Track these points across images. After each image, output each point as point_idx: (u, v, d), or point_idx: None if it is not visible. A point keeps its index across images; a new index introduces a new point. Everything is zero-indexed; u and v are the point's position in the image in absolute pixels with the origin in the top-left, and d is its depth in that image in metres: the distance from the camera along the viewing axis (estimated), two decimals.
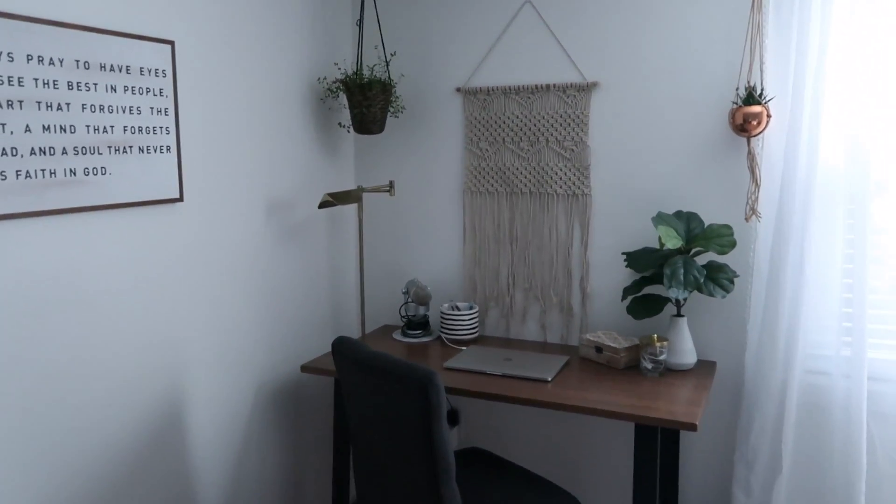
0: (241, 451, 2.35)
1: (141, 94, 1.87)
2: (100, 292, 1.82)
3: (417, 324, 2.63)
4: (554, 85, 2.46)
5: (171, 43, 1.95)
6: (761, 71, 2.17)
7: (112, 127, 1.80)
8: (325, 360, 2.39)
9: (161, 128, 1.94)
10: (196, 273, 2.12)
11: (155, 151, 1.93)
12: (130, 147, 1.85)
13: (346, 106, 2.76)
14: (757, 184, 2.20)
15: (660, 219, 2.20)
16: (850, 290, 2.12)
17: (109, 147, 1.80)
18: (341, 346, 1.95)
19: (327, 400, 2.80)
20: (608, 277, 2.51)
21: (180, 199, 2.02)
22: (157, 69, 1.91)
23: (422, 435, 1.75)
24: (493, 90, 2.56)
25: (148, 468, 1.99)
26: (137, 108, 1.87)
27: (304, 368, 2.33)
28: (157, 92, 1.92)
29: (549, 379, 2.14)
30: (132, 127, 1.86)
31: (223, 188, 2.20)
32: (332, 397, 2.82)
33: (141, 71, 1.87)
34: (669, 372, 2.24)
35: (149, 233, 1.95)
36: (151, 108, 1.91)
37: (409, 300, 2.62)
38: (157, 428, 2.02)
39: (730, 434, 2.40)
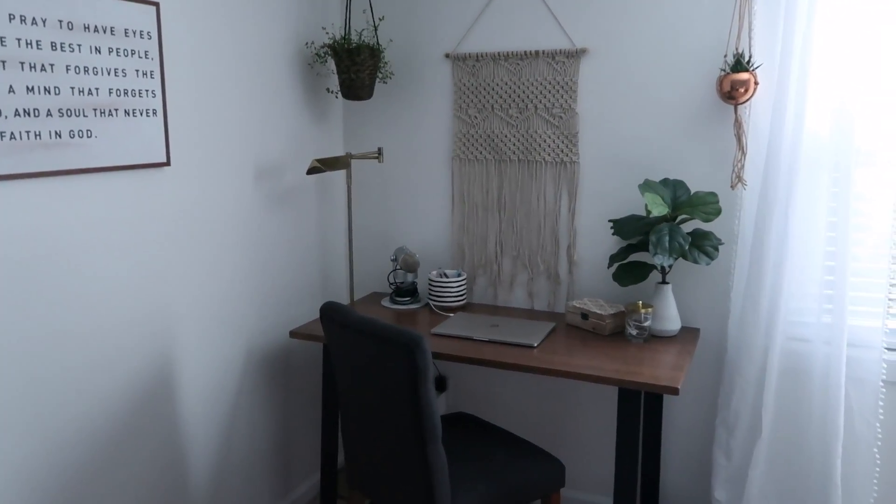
0: (231, 416, 2.38)
1: (126, 56, 1.85)
2: (86, 257, 1.82)
3: (406, 291, 2.65)
4: (543, 51, 2.45)
5: (156, 4, 1.93)
6: (749, 38, 2.17)
7: (97, 89, 1.79)
8: (314, 326, 2.40)
9: (147, 91, 1.93)
10: (184, 238, 2.13)
11: (141, 115, 1.92)
12: (116, 110, 1.84)
13: (335, 71, 2.74)
14: (743, 151, 2.22)
15: (646, 186, 2.22)
16: (832, 257, 2.15)
17: (95, 109, 1.78)
18: (329, 311, 1.97)
19: (316, 365, 2.83)
20: (595, 245, 2.52)
21: (167, 163, 2.01)
22: (142, 31, 1.89)
23: (409, 398, 1.77)
24: (482, 56, 2.55)
25: (139, 434, 2.02)
26: (123, 70, 1.85)
27: (293, 334, 2.35)
28: (142, 54, 1.90)
29: (535, 345, 2.17)
30: (118, 89, 1.84)
31: (211, 153, 2.20)
32: (321, 362, 2.85)
33: (126, 32, 1.85)
34: (654, 338, 2.27)
35: (135, 197, 1.95)
36: (137, 70, 1.89)
37: (398, 267, 2.63)
38: (147, 394, 2.04)
39: (712, 399, 2.44)
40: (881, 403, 2.15)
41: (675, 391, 1.87)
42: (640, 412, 1.97)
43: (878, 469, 2.19)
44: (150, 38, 1.92)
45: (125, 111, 1.87)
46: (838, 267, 2.10)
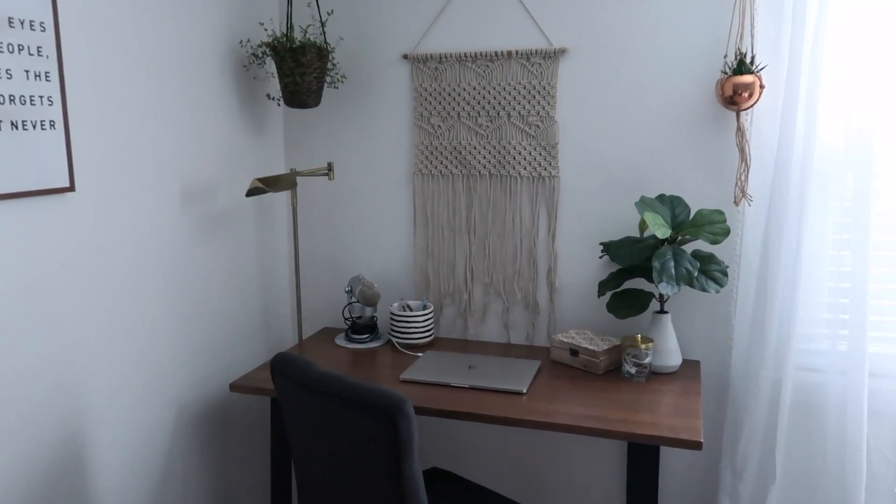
0: (160, 488, 1.97)
1: (12, 52, 1.45)
2: None
3: (363, 327, 2.29)
4: (516, 52, 2.16)
5: None
6: (752, 36, 1.93)
7: None
8: (259, 376, 2.02)
9: (41, 97, 1.52)
10: (96, 277, 1.71)
11: (35, 127, 1.51)
12: (0, 122, 1.43)
13: (275, 74, 2.37)
14: (746, 163, 1.98)
15: (644, 204, 1.95)
16: (847, 278, 1.94)
17: None
18: (282, 366, 1.60)
19: (262, 420, 2.43)
20: (578, 269, 2.24)
21: (71, 188, 1.60)
22: (32, 21, 1.49)
23: (388, 473, 1.43)
24: (445, 57, 2.23)
25: None
26: (7, 70, 1.44)
27: (234, 387, 1.96)
28: (34, 50, 1.49)
29: (525, 390, 1.86)
30: (2, 95, 1.43)
31: (126, 173, 1.79)
32: (269, 418, 2.46)
33: (10, 22, 1.44)
34: (653, 375, 2.00)
35: (30, 233, 1.53)
36: (27, 71, 1.48)
37: (354, 300, 2.28)
38: (55, 466, 1.62)
39: (714, 439, 2.19)
40: None
41: (698, 445, 1.60)
42: (658, 468, 1.69)
43: None
44: (43, 31, 1.51)
45: (13, 123, 1.46)
46: (856, 289, 1.88)
